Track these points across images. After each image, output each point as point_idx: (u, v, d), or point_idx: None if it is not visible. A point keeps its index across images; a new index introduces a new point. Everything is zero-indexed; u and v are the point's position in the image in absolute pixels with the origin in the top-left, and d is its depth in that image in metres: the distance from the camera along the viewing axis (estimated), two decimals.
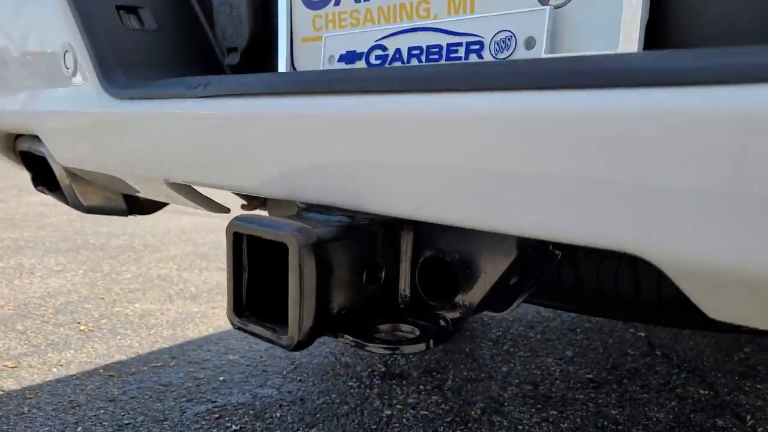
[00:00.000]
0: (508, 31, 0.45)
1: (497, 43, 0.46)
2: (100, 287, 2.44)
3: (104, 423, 1.39)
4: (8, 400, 1.48)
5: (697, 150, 0.29)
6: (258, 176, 0.50)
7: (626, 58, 0.33)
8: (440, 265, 0.49)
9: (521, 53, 0.44)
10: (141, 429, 1.37)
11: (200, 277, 2.61)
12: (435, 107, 0.39)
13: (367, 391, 1.57)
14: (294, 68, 0.64)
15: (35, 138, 0.79)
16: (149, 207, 0.93)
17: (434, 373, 1.68)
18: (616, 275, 0.70)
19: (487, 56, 0.46)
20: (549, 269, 0.52)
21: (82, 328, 1.99)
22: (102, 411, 1.44)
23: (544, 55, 0.43)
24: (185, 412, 1.44)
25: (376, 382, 1.62)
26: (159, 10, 0.68)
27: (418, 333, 0.48)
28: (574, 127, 0.33)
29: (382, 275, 0.48)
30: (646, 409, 1.50)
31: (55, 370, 1.67)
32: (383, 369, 1.70)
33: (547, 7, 0.43)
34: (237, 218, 0.48)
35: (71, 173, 0.79)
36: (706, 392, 1.59)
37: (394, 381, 1.63)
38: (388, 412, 1.45)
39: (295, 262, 0.41)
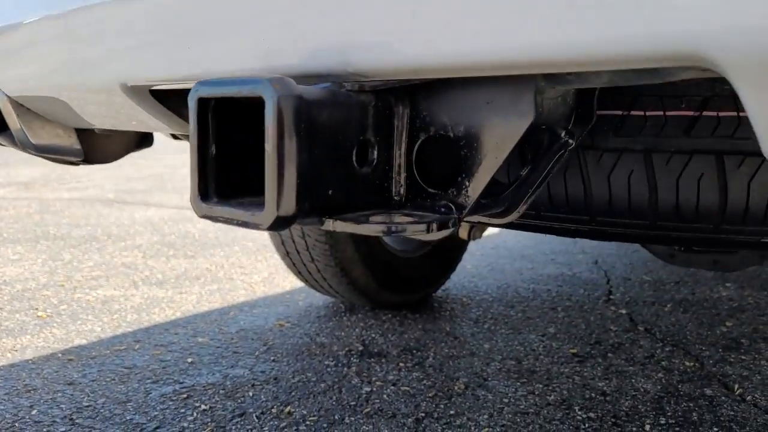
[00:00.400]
0: None
1: None
2: (60, 275, 2.31)
3: (62, 406, 1.29)
4: None
5: None
6: (228, 53, 0.43)
7: None
8: (440, 144, 0.42)
9: None
10: (102, 411, 1.27)
11: (167, 264, 2.50)
12: None
13: (345, 369, 1.49)
14: None
15: None
16: (107, 152, 0.85)
17: (414, 351, 1.61)
18: (629, 182, 0.64)
19: None
20: (559, 163, 0.46)
21: (39, 314, 1.87)
22: (59, 394, 1.34)
23: None
24: (150, 393, 1.35)
25: (354, 360, 1.55)
26: None
27: (418, 219, 0.41)
28: None
29: (375, 156, 0.40)
30: (633, 380, 1.46)
31: (9, 355, 1.55)
32: (361, 348, 1.63)
33: None
34: (202, 82, 0.40)
35: (19, 106, 0.70)
36: (692, 364, 1.56)
37: (372, 359, 1.55)
38: (368, 389, 1.38)
39: (273, 117, 0.34)
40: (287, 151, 0.34)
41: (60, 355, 1.56)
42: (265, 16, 0.40)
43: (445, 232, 0.41)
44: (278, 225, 0.37)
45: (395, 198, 0.43)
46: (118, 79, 0.53)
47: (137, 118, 0.62)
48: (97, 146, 0.82)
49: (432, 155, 0.43)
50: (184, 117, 0.61)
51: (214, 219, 0.41)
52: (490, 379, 1.45)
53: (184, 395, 1.34)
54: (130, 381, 1.41)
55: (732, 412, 1.30)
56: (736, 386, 1.43)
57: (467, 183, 0.42)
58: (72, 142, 0.78)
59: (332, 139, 0.37)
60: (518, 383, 1.43)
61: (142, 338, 1.69)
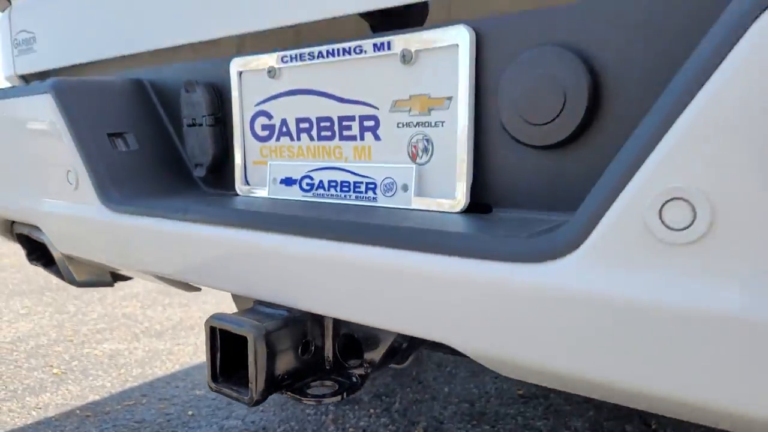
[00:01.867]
0: (391, 178, 0.66)
1: (385, 185, 0.67)
2: (68, 329, 2.56)
3: None
4: None
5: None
6: (220, 279, 0.70)
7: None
8: (351, 339, 0.70)
9: (400, 194, 0.65)
10: None
11: (164, 314, 2.75)
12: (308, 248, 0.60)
13: (323, 417, 1.76)
14: (247, 183, 0.83)
15: (35, 227, 0.96)
16: (129, 276, 1.11)
17: (383, 397, 1.88)
18: None
19: (379, 194, 0.67)
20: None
21: (54, 371, 2.12)
22: None
23: (414, 197, 0.64)
24: None
25: (331, 408, 1.81)
26: (140, 133, 0.86)
27: (337, 387, 0.69)
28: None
29: (313, 348, 0.67)
30: (567, 419, 1.74)
31: (34, 413, 1.79)
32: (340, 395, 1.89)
33: (414, 165, 0.64)
34: (213, 316, 0.67)
35: (69, 258, 0.96)
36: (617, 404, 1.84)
37: (347, 407, 1.82)
38: None
39: (252, 348, 0.61)
40: (260, 365, 0.61)
41: (78, 411, 1.81)
42: (247, 270, 0.67)
43: (357, 390, 0.68)
44: (257, 403, 0.64)
45: (326, 368, 0.70)
46: (153, 271, 0.79)
47: (160, 280, 0.89)
48: (122, 275, 1.08)
49: (348, 343, 0.70)
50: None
51: (221, 394, 0.68)
52: (445, 422, 1.72)
53: None
54: None
55: None
56: (653, 422, 1.72)
57: (369, 360, 0.69)
58: (105, 276, 1.04)
59: (287, 346, 0.64)
60: (469, 425, 1.70)
61: (147, 392, 1.94)
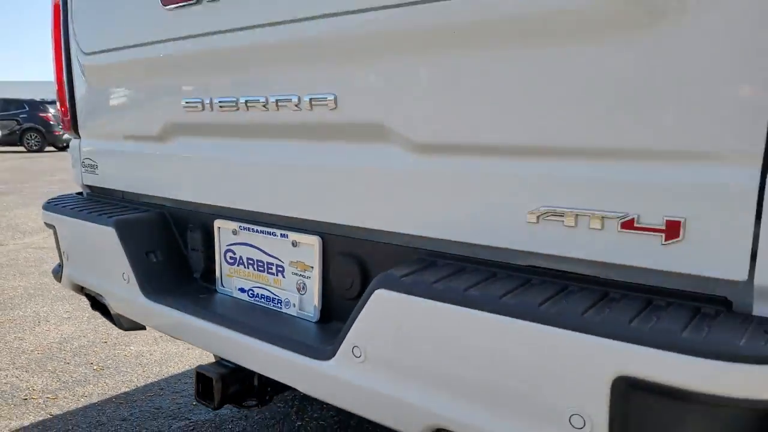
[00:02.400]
0: (288, 298, 1.31)
1: (285, 302, 1.31)
2: (102, 332, 3.26)
3: None
4: (54, 423, 2.31)
5: None
6: (203, 343, 1.36)
7: None
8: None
9: (292, 308, 1.30)
10: None
11: None
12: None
13: (289, 409, 2.44)
14: (223, 286, 1.49)
15: (101, 295, 1.63)
16: None
17: None
18: None
19: (282, 306, 1.32)
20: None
21: (95, 367, 2.82)
22: (118, 426, 2.28)
23: (297, 310, 1.29)
24: (171, 426, 2.29)
25: (296, 403, 2.49)
26: (165, 251, 1.51)
27: (256, 402, 1.35)
28: None
29: (247, 384, 1.33)
30: None
31: (82, 400, 2.50)
32: (301, 393, 2.57)
33: (298, 294, 1.30)
34: (198, 366, 1.33)
35: (119, 314, 1.62)
36: None
37: (306, 402, 2.50)
38: (299, 423, 2.33)
39: (215, 384, 1.26)
40: (216, 389, 1.29)
41: (114, 399, 2.51)
42: None
43: (267, 404, 1.34)
44: (217, 408, 1.30)
45: (251, 393, 1.37)
46: (209, 349, 1.47)
47: None
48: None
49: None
50: None
51: (200, 402, 1.32)
52: None
53: (191, 428, 2.29)
54: (158, 418, 2.35)
55: None
56: None
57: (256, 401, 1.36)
58: (140, 326, 1.71)
59: (233, 383, 1.30)
60: None
61: (164, 386, 2.63)
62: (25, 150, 21.67)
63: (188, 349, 3.06)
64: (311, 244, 1.27)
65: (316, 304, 1.28)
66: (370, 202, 1.12)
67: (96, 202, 1.80)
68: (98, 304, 1.77)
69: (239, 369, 1.32)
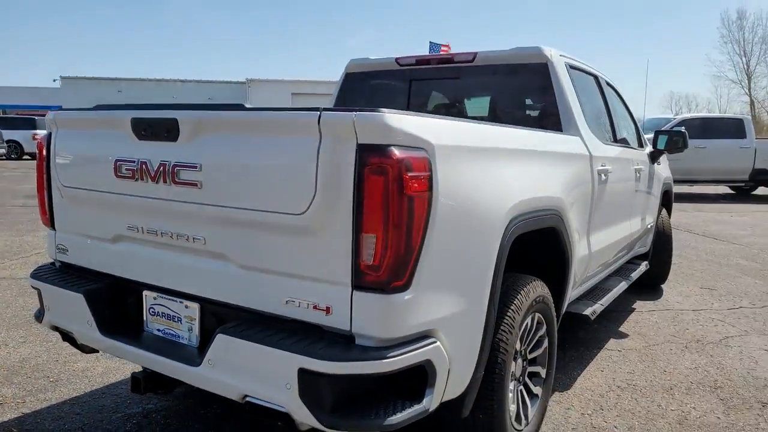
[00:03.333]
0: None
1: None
2: (54, 353, 4.27)
3: (75, 421, 3.30)
4: (26, 418, 3.34)
5: None
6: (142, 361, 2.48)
7: None
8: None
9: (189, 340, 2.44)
10: (88, 418, 3.29)
11: None
12: None
13: (190, 401, 3.57)
14: (147, 328, 2.62)
15: (71, 332, 2.73)
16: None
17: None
18: None
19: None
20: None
21: (51, 380, 3.84)
22: (74, 419, 3.34)
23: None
24: (111, 417, 3.37)
25: (197, 396, 3.62)
26: (112, 307, 2.64)
27: (163, 392, 2.47)
28: None
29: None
30: None
31: (44, 402, 3.53)
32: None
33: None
34: (133, 373, 2.42)
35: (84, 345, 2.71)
36: None
37: (207, 396, 3.63)
38: (202, 411, 3.46)
39: (144, 384, 2.39)
40: (144, 383, 2.42)
41: (68, 401, 3.55)
42: None
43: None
44: (144, 392, 2.44)
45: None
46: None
47: None
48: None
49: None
50: None
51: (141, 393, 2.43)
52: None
53: (126, 418, 3.38)
54: (102, 412, 3.43)
55: None
56: None
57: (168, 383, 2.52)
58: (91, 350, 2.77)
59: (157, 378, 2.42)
60: None
61: (105, 391, 3.70)
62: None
63: (123, 364, 4.13)
64: (195, 307, 2.45)
65: (197, 338, 2.46)
66: (219, 288, 2.32)
67: (67, 274, 2.90)
68: (68, 338, 2.86)
69: (155, 373, 2.48)
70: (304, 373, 1.99)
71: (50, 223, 2.99)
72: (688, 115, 16.23)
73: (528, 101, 4.02)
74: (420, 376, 2.13)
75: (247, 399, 2.17)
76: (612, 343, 4.79)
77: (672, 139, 5.70)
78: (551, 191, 3.02)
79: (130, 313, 2.70)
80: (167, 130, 2.32)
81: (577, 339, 4.84)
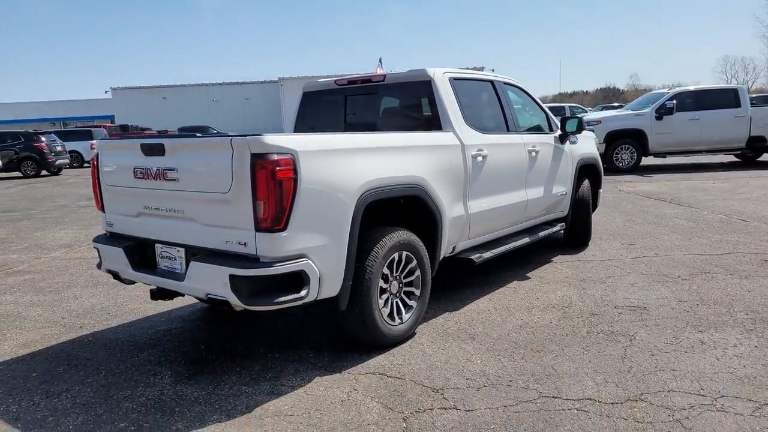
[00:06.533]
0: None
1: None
2: (112, 301, 6.20)
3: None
4: (95, 335, 5.26)
5: None
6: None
7: None
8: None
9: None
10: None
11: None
12: None
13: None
14: (158, 266, 4.38)
15: (117, 272, 4.56)
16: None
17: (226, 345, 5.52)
18: None
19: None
20: None
21: (111, 314, 5.76)
22: (126, 334, 5.23)
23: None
24: (147, 331, 5.25)
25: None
26: (139, 255, 4.42)
27: (170, 299, 4.25)
28: None
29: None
30: None
31: (106, 326, 5.44)
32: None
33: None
34: (150, 291, 4.17)
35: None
36: None
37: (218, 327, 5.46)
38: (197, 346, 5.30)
39: (157, 293, 4.16)
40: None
41: (123, 325, 5.46)
42: None
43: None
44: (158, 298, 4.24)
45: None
46: None
47: None
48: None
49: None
50: None
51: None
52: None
53: (157, 331, 5.25)
54: (142, 328, 5.31)
55: None
56: None
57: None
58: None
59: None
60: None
61: (144, 320, 5.58)
62: (22, 176, 24.32)
63: (154, 305, 6.01)
64: (182, 250, 4.24)
65: (182, 267, 4.24)
66: (193, 238, 4.12)
67: (112, 238, 4.76)
68: (117, 276, 4.73)
69: (163, 289, 4.32)
70: (232, 277, 3.74)
71: (102, 208, 4.86)
72: (680, 89, 17.07)
73: (420, 109, 5.63)
74: (299, 280, 3.85)
75: (208, 295, 3.94)
76: (513, 283, 6.35)
77: (580, 123, 7.12)
78: (411, 172, 4.66)
79: (148, 258, 4.53)
80: (159, 150, 4.13)
81: (487, 281, 6.43)
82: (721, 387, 3.71)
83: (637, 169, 16.97)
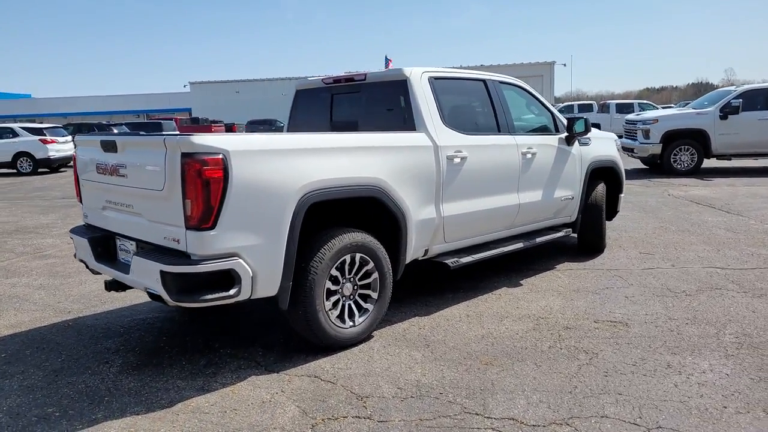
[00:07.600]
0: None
1: None
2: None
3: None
4: (82, 319, 5.54)
5: None
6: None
7: None
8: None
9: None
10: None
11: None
12: None
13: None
14: (117, 258, 4.55)
15: (84, 261, 4.78)
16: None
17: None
18: None
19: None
20: None
21: (101, 300, 6.06)
22: (107, 318, 5.48)
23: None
24: (135, 318, 5.47)
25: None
26: (101, 246, 4.63)
27: (122, 291, 4.40)
28: None
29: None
30: None
31: (94, 311, 5.72)
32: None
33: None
34: (105, 282, 4.35)
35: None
36: None
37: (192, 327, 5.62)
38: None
39: (110, 285, 4.32)
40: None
41: (108, 312, 5.72)
42: None
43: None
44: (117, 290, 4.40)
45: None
46: None
47: None
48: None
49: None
50: None
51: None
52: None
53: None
54: (129, 317, 5.54)
55: None
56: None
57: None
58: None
59: None
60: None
61: (128, 308, 5.83)
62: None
63: (140, 295, 6.25)
64: (134, 243, 4.37)
65: (131, 260, 4.37)
66: (140, 232, 4.23)
67: (86, 229, 4.99)
68: (87, 266, 4.96)
69: (116, 281, 4.48)
70: (162, 273, 3.81)
71: (80, 199, 5.11)
72: (749, 86, 15.78)
73: (397, 108, 5.50)
74: (229, 278, 3.87)
75: (146, 289, 4.05)
76: (501, 290, 6.10)
77: (587, 123, 6.74)
78: (366, 173, 4.57)
79: (110, 250, 4.71)
80: (113, 147, 4.27)
81: (476, 286, 6.22)
82: (661, 417, 3.40)
83: (697, 172, 15.87)
